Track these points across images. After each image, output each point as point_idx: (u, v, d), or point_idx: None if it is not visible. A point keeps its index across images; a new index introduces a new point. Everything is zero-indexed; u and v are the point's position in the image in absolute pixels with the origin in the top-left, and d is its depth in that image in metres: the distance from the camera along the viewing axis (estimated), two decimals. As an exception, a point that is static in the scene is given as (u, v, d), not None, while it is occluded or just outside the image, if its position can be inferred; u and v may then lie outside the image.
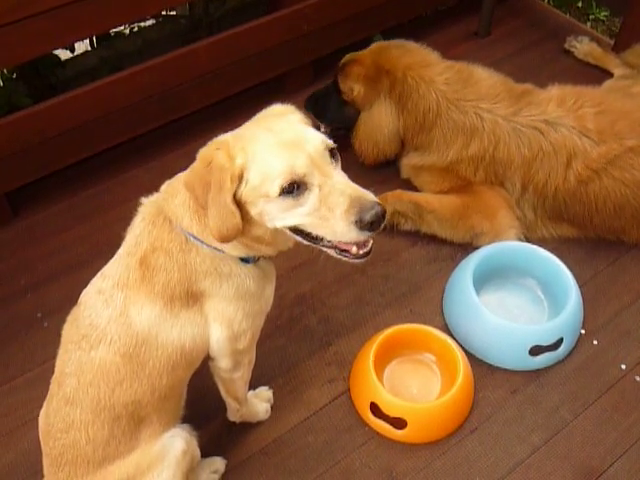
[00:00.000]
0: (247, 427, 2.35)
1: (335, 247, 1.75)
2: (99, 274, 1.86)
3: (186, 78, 3.07)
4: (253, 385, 2.37)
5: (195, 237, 1.78)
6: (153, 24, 3.81)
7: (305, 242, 1.77)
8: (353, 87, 2.98)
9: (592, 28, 4.66)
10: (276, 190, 1.63)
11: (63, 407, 1.81)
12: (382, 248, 2.88)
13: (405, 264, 2.84)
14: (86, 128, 2.91)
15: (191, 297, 1.81)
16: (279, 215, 1.69)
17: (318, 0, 3.22)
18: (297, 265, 2.79)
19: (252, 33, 3.11)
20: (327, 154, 1.68)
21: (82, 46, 3.62)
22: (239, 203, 1.69)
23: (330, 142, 1.70)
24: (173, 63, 2.99)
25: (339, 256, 1.77)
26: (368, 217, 1.61)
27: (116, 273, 1.81)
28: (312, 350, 2.56)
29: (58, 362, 1.86)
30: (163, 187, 1.86)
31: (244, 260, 1.85)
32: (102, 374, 1.78)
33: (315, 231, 1.70)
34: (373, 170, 3.11)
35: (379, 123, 2.94)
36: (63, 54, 3.44)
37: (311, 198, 1.64)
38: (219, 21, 3.53)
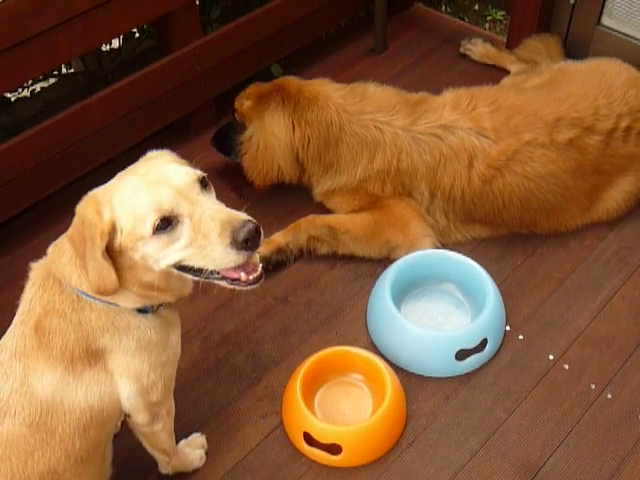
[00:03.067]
0: (184, 477, 2.30)
1: (224, 278, 1.75)
2: None
3: (85, 134, 3.03)
4: (185, 432, 2.34)
5: (86, 294, 1.75)
6: (52, 84, 3.79)
7: (196, 278, 1.76)
8: (243, 102, 2.98)
9: (490, 29, 4.77)
10: (149, 229, 1.63)
11: None
12: (302, 274, 2.88)
13: (326, 287, 2.83)
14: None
15: (92, 356, 1.77)
16: (160, 254, 1.68)
17: (206, 40, 3.23)
18: (218, 306, 2.76)
19: (144, 81, 3.09)
20: (197, 185, 1.69)
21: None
22: (121, 252, 1.68)
23: (199, 172, 1.72)
24: (68, 121, 2.96)
25: (232, 286, 1.77)
26: (242, 236, 1.62)
27: (12, 343, 1.77)
28: (242, 388, 2.53)
29: None
30: (50, 249, 1.84)
31: (141, 311, 1.83)
32: (12, 447, 1.73)
33: (198, 263, 1.69)
34: (288, 198, 3.12)
35: (271, 131, 2.88)
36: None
37: (184, 230, 1.65)
38: (113, 74, 3.52)
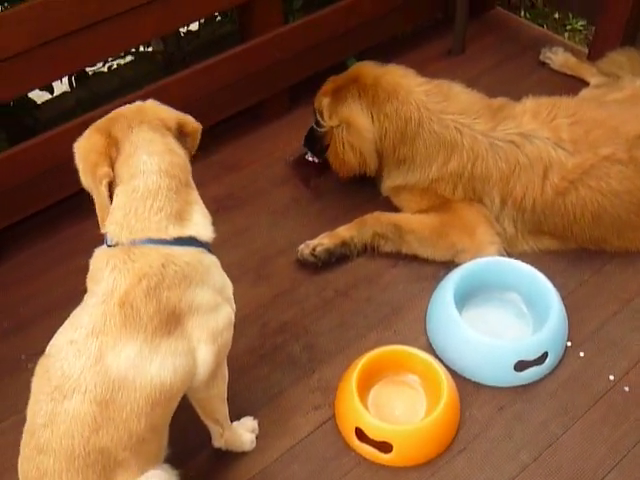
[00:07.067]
0: (232, 459, 2.33)
1: None
2: (67, 324, 1.85)
3: (160, 113, 3.07)
4: (237, 416, 2.36)
5: (183, 240, 1.85)
6: (130, 62, 3.83)
7: None
8: (322, 100, 2.97)
9: (570, 38, 4.68)
10: None
11: (36, 456, 1.77)
12: (364, 270, 2.87)
13: (387, 285, 2.82)
14: (64, 168, 2.91)
15: (174, 320, 1.82)
16: None
17: (288, 28, 3.25)
18: (279, 293, 2.78)
19: (223, 65, 3.13)
20: None
21: (62, 87, 3.64)
22: None
23: None
24: (145, 99, 2.99)
25: None
26: None
27: (89, 322, 1.79)
28: (296, 377, 2.54)
29: (29, 413, 1.83)
30: (111, 228, 1.86)
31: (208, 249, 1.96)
32: (77, 424, 1.75)
33: None
34: (355, 192, 3.12)
35: (353, 126, 2.86)
36: (41, 97, 3.46)
37: None
38: (192, 55, 3.55)
